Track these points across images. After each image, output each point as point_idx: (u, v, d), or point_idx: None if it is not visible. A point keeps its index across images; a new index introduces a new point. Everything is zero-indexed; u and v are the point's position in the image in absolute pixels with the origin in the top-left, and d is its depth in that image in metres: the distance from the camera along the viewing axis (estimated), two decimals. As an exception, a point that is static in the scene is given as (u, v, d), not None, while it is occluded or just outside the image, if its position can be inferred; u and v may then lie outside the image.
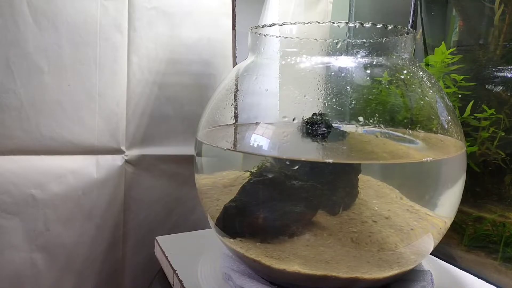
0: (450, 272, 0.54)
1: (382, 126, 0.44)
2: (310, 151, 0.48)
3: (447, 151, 0.46)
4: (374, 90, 0.45)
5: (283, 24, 0.47)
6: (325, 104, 0.45)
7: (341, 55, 0.46)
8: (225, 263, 0.51)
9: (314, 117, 0.45)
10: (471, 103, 0.59)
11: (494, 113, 0.57)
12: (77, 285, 0.67)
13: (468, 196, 0.59)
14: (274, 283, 0.46)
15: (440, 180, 0.44)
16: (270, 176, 0.42)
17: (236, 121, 0.52)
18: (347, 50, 0.46)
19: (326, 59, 0.47)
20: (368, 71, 0.46)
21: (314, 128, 0.45)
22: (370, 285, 0.44)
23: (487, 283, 0.51)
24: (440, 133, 0.46)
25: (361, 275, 0.42)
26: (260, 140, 0.44)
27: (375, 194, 0.42)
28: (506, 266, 0.55)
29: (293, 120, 0.45)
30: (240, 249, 0.46)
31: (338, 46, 0.46)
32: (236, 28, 0.74)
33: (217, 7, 0.72)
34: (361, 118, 0.43)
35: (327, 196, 0.43)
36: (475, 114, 0.59)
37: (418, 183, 0.43)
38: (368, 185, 0.42)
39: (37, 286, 0.64)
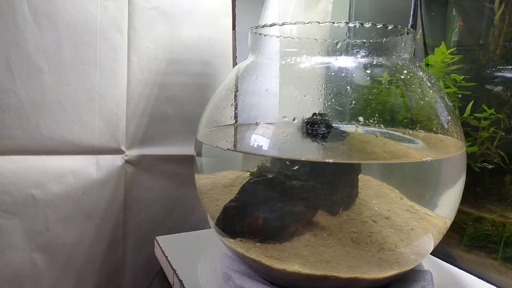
0: (450, 272, 0.54)
1: (382, 126, 0.44)
2: (310, 151, 0.47)
3: (447, 151, 0.46)
4: (374, 90, 0.45)
5: (283, 24, 0.47)
6: (325, 104, 0.45)
7: (341, 55, 0.46)
8: (225, 263, 0.51)
9: (314, 117, 0.45)
10: (471, 103, 0.59)
11: (494, 113, 0.57)
12: (77, 285, 0.67)
13: (468, 196, 0.59)
14: (274, 283, 0.46)
15: (440, 180, 0.44)
16: (270, 176, 0.42)
17: (236, 121, 0.52)
18: (347, 50, 0.46)
19: (326, 59, 0.47)
20: (368, 71, 0.46)
21: (314, 128, 0.45)
22: (370, 285, 0.44)
23: (487, 283, 0.52)
24: (440, 133, 0.46)
25: (361, 275, 0.42)
26: (260, 140, 0.44)
27: (375, 194, 0.42)
28: (506, 266, 0.55)
29: (293, 120, 0.45)
30: (240, 249, 0.46)
31: (338, 46, 0.46)
32: (236, 28, 0.74)
33: (217, 7, 0.72)
34: (361, 118, 0.43)
35: (327, 196, 0.43)
36: (475, 114, 0.59)
37: (418, 183, 0.43)
38: (368, 185, 0.42)
39: (37, 286, 0.64)
